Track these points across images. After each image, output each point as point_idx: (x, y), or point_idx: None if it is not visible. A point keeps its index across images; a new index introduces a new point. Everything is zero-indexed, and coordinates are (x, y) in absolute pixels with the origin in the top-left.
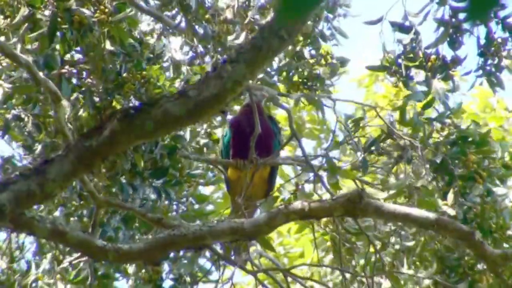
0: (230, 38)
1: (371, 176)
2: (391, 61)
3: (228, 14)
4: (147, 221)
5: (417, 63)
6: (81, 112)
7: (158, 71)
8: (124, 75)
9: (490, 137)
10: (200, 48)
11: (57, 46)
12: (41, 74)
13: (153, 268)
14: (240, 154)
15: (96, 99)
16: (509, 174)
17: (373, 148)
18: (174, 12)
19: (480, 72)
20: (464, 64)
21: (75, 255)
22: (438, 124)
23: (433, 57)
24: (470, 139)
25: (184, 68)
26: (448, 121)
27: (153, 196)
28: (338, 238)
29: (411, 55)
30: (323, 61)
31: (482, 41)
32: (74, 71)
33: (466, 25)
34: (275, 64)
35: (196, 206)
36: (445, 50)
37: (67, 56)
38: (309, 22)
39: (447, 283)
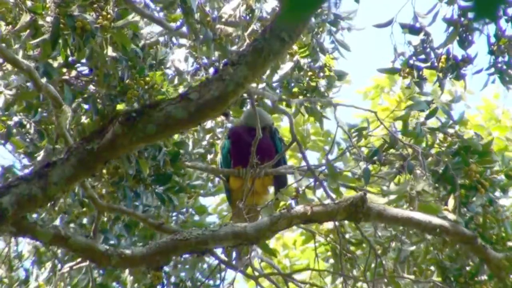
0: (232, 48)
1: (373, 187)
2: (403, 63)
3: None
4: (148, 226)
5: (428, 63)
6: (83, 119)
7: (161, 77)
8: (127, 81)
9: (492, 148)
10: (204, 60)
11: (59, 53)
12: (42, 80)
13: (154, 273)
14: (241, 162)
15: (99, 105)
16: (511, 184)
17: (375, 158)
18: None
19: (492, 70)
20: (475, 63)
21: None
22: (440, 134)
23: (443, 57)
24: (472, 149)
25: (187, 76)
26: (451, 131)
27: (155, 203)
28: (339, 248)
29: (423, 56)
30: (321, 73)
31: (492, 39)
32: (76, 75)
33: (475, 24)
34: (275, 76)
35: (196, 218)
36: (455, 50)
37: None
38: (309, 34)
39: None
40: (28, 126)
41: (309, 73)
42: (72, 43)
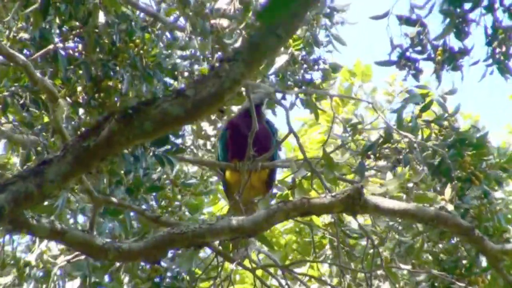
0: (228, 41)
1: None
2: (399, 55)
3: (225, 17)
4: (145, 219)
5: (425, 55)
6: (81, 112)
7: (151, 39)
8: (118, 45)
9: (488, 140)
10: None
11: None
12: (38, 74)
13: (152, 267)
14: (238, 155)
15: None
16: (506, 177)
17: (370, 152)
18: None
19: (490, 61)
20: (471, 55)
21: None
22: (436, 126)
23: (440, 48)
24: (467, 141)
25: (179, 34)
26: (445, 123)
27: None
28: (337, 240)
29: (419, 48)
30: (316, 66)
31: (489, 31)
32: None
33: (472, 15)
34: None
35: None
36: (452, 41)
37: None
38: (303, 27)
39: (445, 275)
40: (23, 95)
41: (304, 66)
42: (63, 11)
